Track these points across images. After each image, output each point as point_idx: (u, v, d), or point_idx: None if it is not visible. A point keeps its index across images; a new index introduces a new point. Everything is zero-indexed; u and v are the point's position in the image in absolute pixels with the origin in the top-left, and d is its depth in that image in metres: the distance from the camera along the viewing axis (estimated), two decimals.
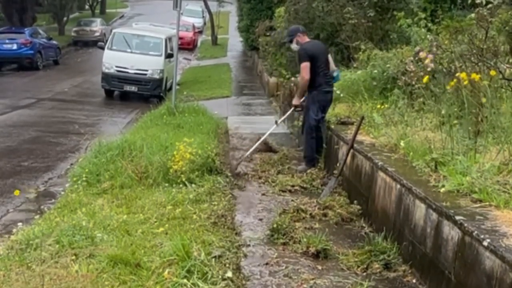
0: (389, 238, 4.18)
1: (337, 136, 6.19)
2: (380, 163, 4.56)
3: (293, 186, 6.04)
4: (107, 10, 46.34)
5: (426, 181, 3.91)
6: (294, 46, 6.93)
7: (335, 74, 6.94)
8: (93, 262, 3.83)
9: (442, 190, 3.66)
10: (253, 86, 18.12)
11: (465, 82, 4.02)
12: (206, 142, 7.71)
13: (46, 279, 3.44)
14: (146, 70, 16.41)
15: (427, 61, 5.08)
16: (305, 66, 6.54)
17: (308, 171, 6.52)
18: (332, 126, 6.53)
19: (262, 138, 7.58)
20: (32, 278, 3.48)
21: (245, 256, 4.18)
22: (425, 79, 4.56)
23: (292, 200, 5.51)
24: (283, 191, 5.92)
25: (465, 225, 3.06)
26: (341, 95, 7.25)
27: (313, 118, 6.62)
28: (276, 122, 7.44)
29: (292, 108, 7.18)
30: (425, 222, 3.61)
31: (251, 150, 7.33)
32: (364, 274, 3.86)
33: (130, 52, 16.97)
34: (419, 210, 3.72)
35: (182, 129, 9.23)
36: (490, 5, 5.45)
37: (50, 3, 34.71)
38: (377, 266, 3.90)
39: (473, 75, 3.98)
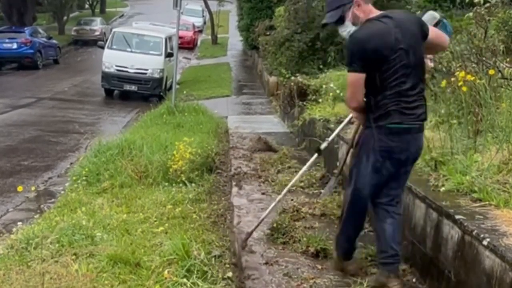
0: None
1: (337, 135, 6.18)
2: None
3: (292, 185, 6.03)
4: (107, 9, 46.32)
5: (426, 181, 3.91)
6: (345, 31, 3.45)
7: (446, 36, 3.58)
8: (93, 261, 3.83)
9: (442, 189, 3.66)
10: (253, 85, 18.13)
11: (459, 83, 4.02)
12: (206, 142, 7.72)
13: (46, 278, 3.44)
14: (146, 70, 16.43)
15: None
16: (354, 80, 3.35)
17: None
18: (332, 125, 6.52)
19: (296, 178, 4.83)
20: (32, 277, 3.48)
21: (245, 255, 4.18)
22: None
23: (292, 200, 5.51)
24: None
25: (465, 224, 3.06)
26: (341, 94, 7.25)
27: (364, 182, 3.43)
28: (319, 150, 4.40)
29: (349, 117, 4.28)
30: (425, 221, 3.61)
31: (270, 208, 4.49)
32: (364, 273, 3.85)
33: (130, 52, 17.01)
34: (419, 210, 3.72)
35: (182, 129, 9.23)
36: (487, 4, 5.46)
37: (50, 3, 34.73)
38: (376, 270, 3.89)
39: (468, 76, 3.98)
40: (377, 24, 3.27)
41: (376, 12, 3.36)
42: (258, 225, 4.17)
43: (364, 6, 3.35)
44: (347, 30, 3.42)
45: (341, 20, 3.44)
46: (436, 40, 3.45)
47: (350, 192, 3.55)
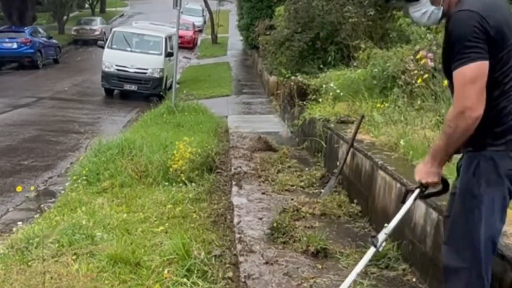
0: (389, 237, 4.18)
1: (337, 135, 6.19)
2: (380, 162, 4.56)
3: (292, 185, 6.04)
4: (107, 9, 46.33)
5: None
6: (419, 11, 2.57)
7: None
8: (93, 261, 3.84)
9: None
10: (253, 85, 18.13)
11: None
12: (206, 141, 7.73)
13: (47, 277, 3.44)
14: (146, 69, 16.44)
15: (423, 61, 5.08)
16: (480, 71, 2.31)
17: None
18: (332, 125, 6.52)
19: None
20: (33, 277, 3.49)
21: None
22: (420, 80, 4.55)
23: (292, 199, 5.51)
24: (283, 190, 5.92)
25: None
26: (341, 94, 7.25)
27: (493, 230, 2.45)
28: (376, 243, 2.87)
29: (417, 191, 2.84)
30: (425, 221, 3.62)
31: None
32: (364, 273, 3.86)
33: (130, 51, 17.01)
34: (419, 209, 3.72)
35: (182, 128, 9.25)
36: None
37: (50, 2, 34.72)
38: (376, 269, 3.89)
39: None
40: None
41: None
42: None
43: None
44: (422, 10, 2.54)
45: None
46: None
47: (471, 255, 2.43)
